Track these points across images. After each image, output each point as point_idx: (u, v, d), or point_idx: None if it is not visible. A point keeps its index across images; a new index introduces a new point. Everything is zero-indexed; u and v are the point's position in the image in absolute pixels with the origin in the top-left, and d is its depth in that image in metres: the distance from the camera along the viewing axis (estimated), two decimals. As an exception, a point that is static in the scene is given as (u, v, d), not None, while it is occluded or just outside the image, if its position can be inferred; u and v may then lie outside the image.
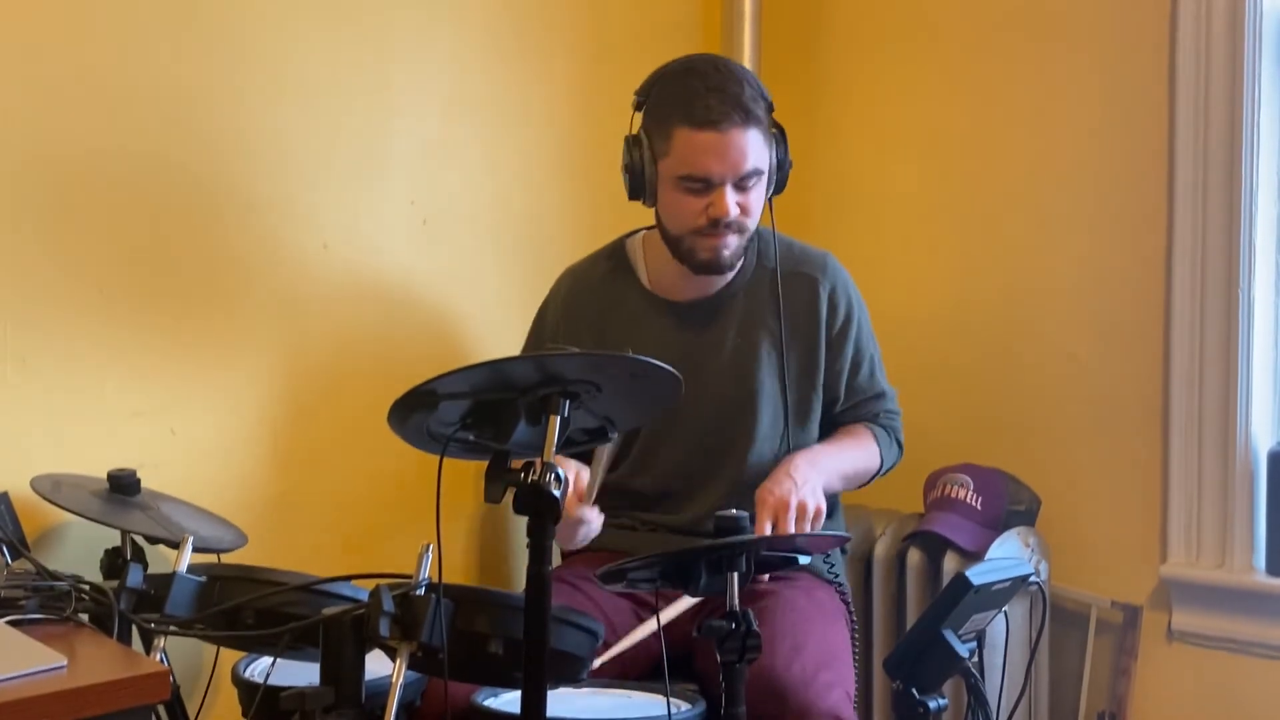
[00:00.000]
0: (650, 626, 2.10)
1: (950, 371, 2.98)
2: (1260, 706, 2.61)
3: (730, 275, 2.37)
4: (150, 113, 2.33)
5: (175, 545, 1.88)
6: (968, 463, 2.73)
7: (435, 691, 1.97)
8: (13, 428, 2.18)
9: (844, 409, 2.43)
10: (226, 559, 2.03)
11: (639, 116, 2.29)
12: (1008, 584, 1.88)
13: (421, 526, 2.24)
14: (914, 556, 2.69)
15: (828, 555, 2.38)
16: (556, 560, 2.41)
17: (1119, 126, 2.75)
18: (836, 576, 2.39)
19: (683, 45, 2.71)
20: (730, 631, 1.72)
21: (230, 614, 1.75)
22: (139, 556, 2.05)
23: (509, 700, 1.91)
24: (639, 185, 2.29)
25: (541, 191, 2.90)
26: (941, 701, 1.82)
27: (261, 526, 2.32)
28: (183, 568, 1.80)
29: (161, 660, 1.78)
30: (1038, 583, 2.11)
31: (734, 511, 1.80)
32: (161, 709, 1.95)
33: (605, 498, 2.20)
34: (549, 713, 1.56)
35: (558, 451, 1.57)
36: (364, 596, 1.65)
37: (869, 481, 2.46)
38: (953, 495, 2.67)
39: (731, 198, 2.22)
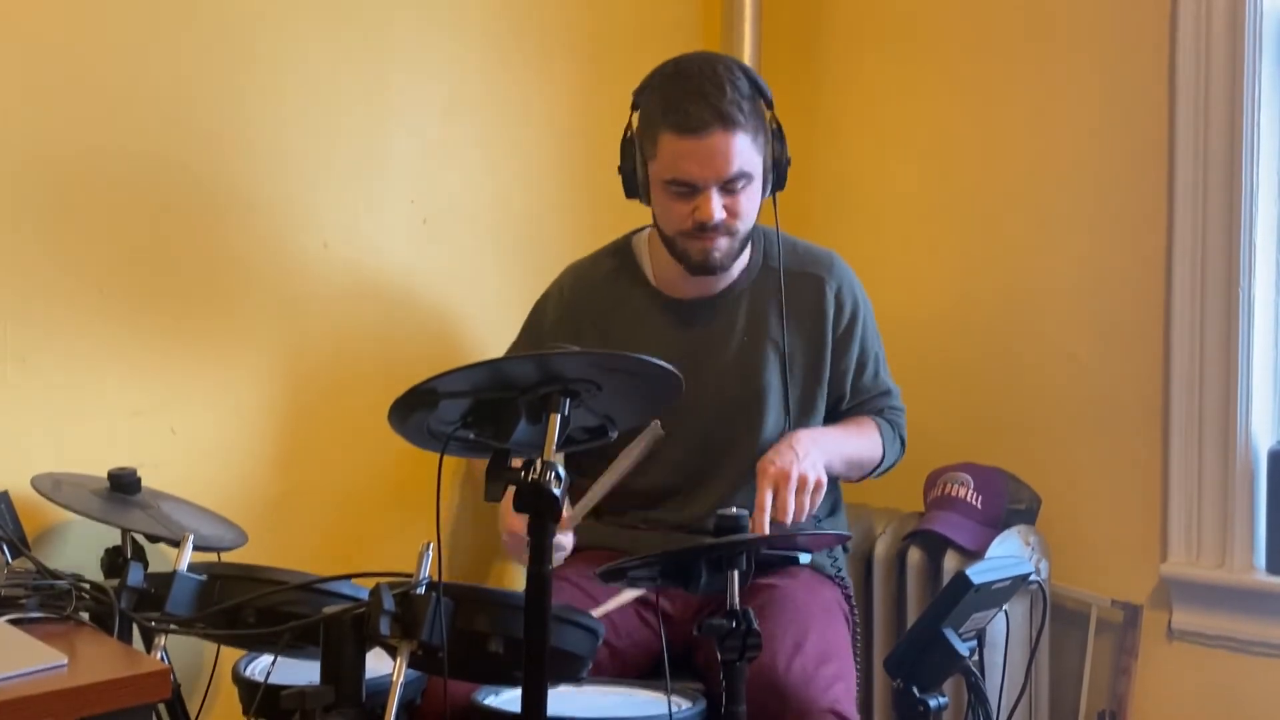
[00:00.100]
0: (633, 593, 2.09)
1: (950, 371, 2.98)
2: (1261, 706, 2.61)
3: (734, 274, 2.38)
4: (150, 113, 2.34)
5: (176, 544, 1.88)
6: (968, 462, 2.74)
7: (435, 690, 1.97)
8: (13, 427, 2.18)
9: (850, 407, 2.43)
10: (227, 558, 2.03)
11: (635, 118, 2.30)
12: (1008, 583, 1.88)
13: (422, 525, 2.25)
14: (914, 555, 2.69)
15: (830, 552, 2.38)
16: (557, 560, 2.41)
17: (1119, 126, 2.75)
18: (840, 572, 2.39)
19: (683, 45, 2.71)
20: (731, 630, 1.72)
21: (231, 613, 1.75)
22: (139, 555, 2.06)
23: (509, 699, 1.91)
24: (633, 186, 2.31)
25: (541, 191, 2.90)
26: (942, 700, 1.83)
27: (262, 525, 2.32)
28: (183, 566, 1.80)
29: (162, 659, 1.79)
30: (1038, 581, 2.11)
31: (734, 510, 1.80)
32: (162, 708, 1.95)
33: (608, 495, 2.19)
34: (549, 711, 1.56)
35: (558, 450, 1.57)
36: (364, 595, 1.65)
37: (870, 474, 2.45)
38: (953, 494, 2.67)
39: (717, 201, 2.22)
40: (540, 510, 1.55)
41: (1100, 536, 2.78)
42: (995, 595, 1.87)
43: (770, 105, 2.27)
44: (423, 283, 2.72)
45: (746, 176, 2.23)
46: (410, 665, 1.65)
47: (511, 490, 1.56)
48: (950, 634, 1.80)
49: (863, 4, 3.14)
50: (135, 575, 1.79)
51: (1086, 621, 2.77)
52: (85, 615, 1.77)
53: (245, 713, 1.91)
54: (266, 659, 2.00)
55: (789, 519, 2.11)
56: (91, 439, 2.26)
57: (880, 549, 2.76)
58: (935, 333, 3.01)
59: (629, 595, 2.11)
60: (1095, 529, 2.79)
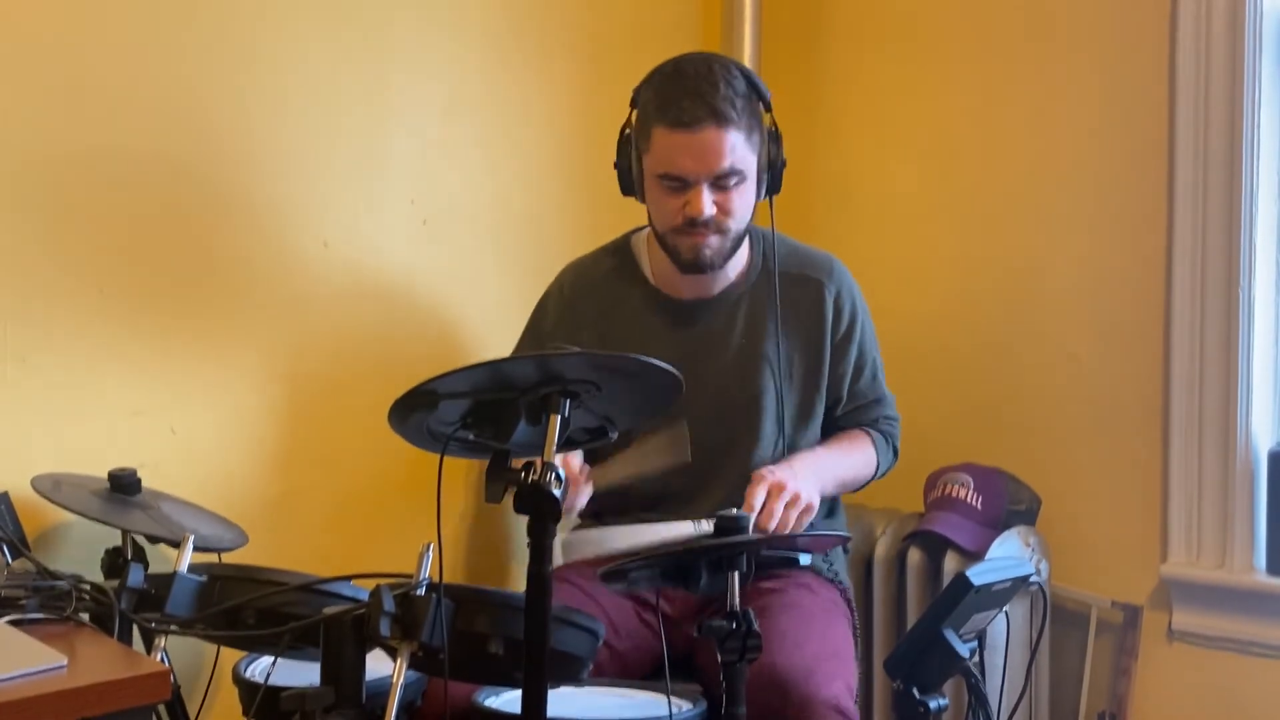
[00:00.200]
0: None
1: (951, 371, 2.98)
2: (1260, 706, 2.61)
3: (733, 276, 2.38)
4: (150, 113, 2.33)
5: (176, 545, 1.88)
6: (968, 462, 2.73)
7: (436, 691, 1.97)
8: (13, 427, 2.18)
9: (844, 412, 2.43)
10: (227, 558, 2.03)
11: (633, 115, 2.30)
12: (1008, 584, 1.88)
13: (422, 526, 2.24)
14: (914, 556, 2.69)
15: (826, 554, 2.38)
16: (557, 560, 2.41)
17: (1119, 126, 2.75)
18: (836, 576, 2.39)
19: (682, 45, 2.71)
20: (731, 631, 1.73)
21: (231, 613, 1.75)
22: (139, 556, 2.05)
23: (510, 700, 1.91)
24: (629, 183, 2.31)
25: (541, 191, 2.90)
26: (942, 701, 1.83)
27: (262, 526, 2.32)
28: (183, 567, 1.80)
29: (162, 660, 1.79)
30: (1038, 582, 2.11)
31: (735, 511, 1.81)
32: (162, 709, 1.95)
33: (608, 497, 2.20)
34: (549, 712, 1.56)
35: (558, 451, 1.57)
36: (364, 596, 1.65)
37: (863, 487, 2.47)
38: (953, 495, 2.67)
39: (708, 197, 2.22)
40: (540, 511, 1.55)
41: (1100, 537, 2.78)
42: (995, 596, 1.87)
43: (768, 107, 2.27)
44: (423, 283, 2.72)
45: (738, 174, 2.23)
46: (410, 666, 1.65)
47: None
48: (950, 635, 1.80)
49: (863, 4, 3.14)
50: (135, 576, 1.80)
51: (1086, 622, 2.77)
52: (85, 616, 1.77)
53: (245, 714, 1.91)
54: (266, 660, 2.00)
55: (772, 526, 2.11)
56: (91, 439, 2.26)
57: (880, 550, 2.76)
58: (935, 332, 3.01)
59: (685, 529, 2.08)
60: (1095, 529, 2.79)
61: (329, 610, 1.65)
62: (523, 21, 2.85)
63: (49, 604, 1.75)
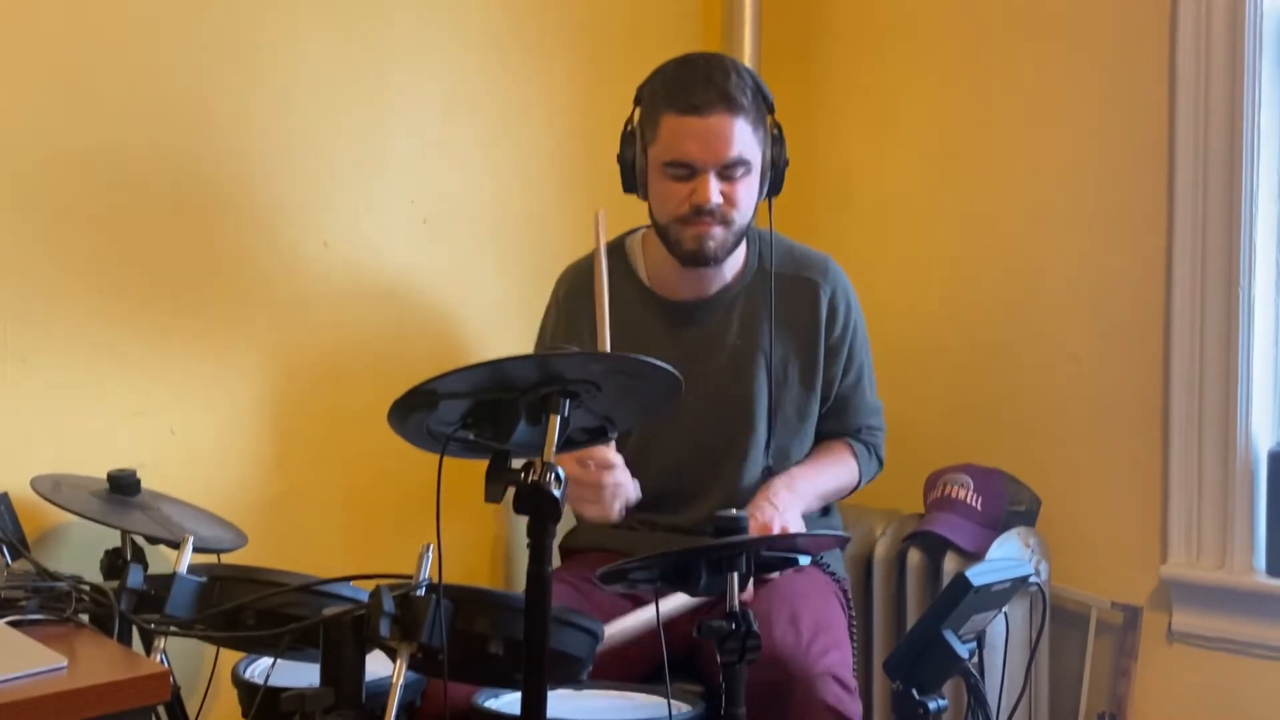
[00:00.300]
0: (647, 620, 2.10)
1: (950, 371, 2.98)
2: (1260, 707, 2.61)
3: (729, 276, 2.37)
4: (151, 113, 2.33)
5: (175, 545, 1.88)
6: (968, 463, 2.73)
7: (435, 692, 1.97)
8: (13, 427, 2.18)
9: (828, 414, 2.43)
10: (227, 559, 2.03)
11: (637, 111, 2.30)
12: (1008, 584, 1.88)
13: (421, 526, 2.24)
14: (914, 557, 2.69)
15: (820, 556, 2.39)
16: (556, 561, 2.41)
17: (1119, 126, 2.75)
18: (831, 570, 2.39)
19: (682, 45, 2.71)
20: (730, 632, 1.72)
21: (230, 615, 1.75)
22: (139, 557, 2.06)
23: (509, 701, 1.91)
24: (630, 177, 2.31)
25: (541, 191, 2.90)
26: (941, 702, 1.82)
27: (261, 527, 2.32)
28: (183, 568, 1.80)
29: (162, 661, 1.78)
30: (1038, 583, 2.11)
31: (734, 512, 1.80)
32: (162, 710, 1.95)
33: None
34: (549, 714, 1.56)
35: (558, 451, 1.57)
36: (364, 597, 1.65)
37: (847, 496, 2.48)
38: (953, 495, 2.67)
39: (714, 185, 2.22)
40: (540, 511, 1.55)
41: (1100, 538, 2.78)
42: (995, 597, 1.86)
43: (771, 110, 2.27)
44: (423, 283, 2.72)
45: (745, 164, 2.23)
46: (410, 667, 1.64)
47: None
48: (950, 636, 1.79)
49: (863, 4, 3.14)
50: (135, 577, 1.79)
51: (1086, 623, 2.77)
52: (85, 617, 1.77)
53: (245, 715, 1.91)
54: (266, 661, 2.00)
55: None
56: (91, 439, 2.26)
57: (880, 550, 2.76)
58: (935, 332, 3.01)
59: (639, 618, 2.10)
60: (1095, 530, 2.79)
61: (329, 611, 1.65)
62: (522, 21, 2.85)
63: (49, 605, 1.75)
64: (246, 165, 2.46)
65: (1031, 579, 1.95)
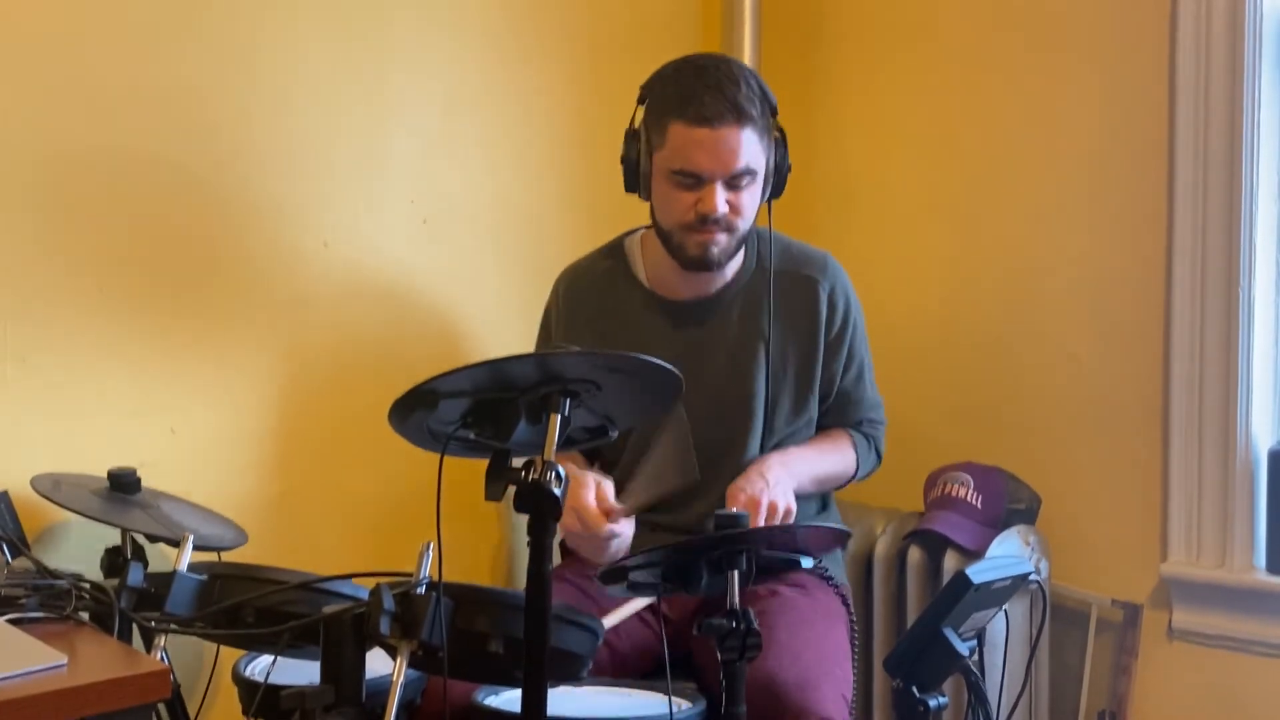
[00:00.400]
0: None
1: (951, 371, 2.98)
2: (1260, 705, 2.61)
3: (728, 275, 2.38)
4: (150, 112, 2.34)
5: (175, 544, 1.88)
6: (968, 461, 2.73)
7: (435, 690, 1.97)
8: (13, 426, 2.19)
9: (829, 410, 2.43)
10: (227, 557, 2.03)
11: (641, 111, 2.30)
12: (1008, 582, 1.88)
13: (422, 525, 2.24)
14: (914, 555, 2.69)
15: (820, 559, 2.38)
16: (557, 559, 2.41)
17: (1119, 127, 2.75)
18: (830, 578, 2.39)
19: (682, 45, 2.71)
20: (730, 630, 1.72)
21: (231, 612, 1.75)
22: (139, 555, 2.06)
23: (509, 699, 1.91)
24: (634, 178, 2.30)
25: (541, 191, 2.90)
26: (941, 700, 1.82)
27: (262, 525, 2.32)
28: (183, 566, 1.80)
29: (162, 659, 1.78)
30: (1038, 581, 2.11)
31: (734, 510, 1.80)
32: (162, 707, 1.95)
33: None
34: (549, 711, 1.56)
35: (559, 451, 1.57)
36: (364, 595, 1.65)
37: (842, 486, 2.46)
38: (953, 494, 2.67)
39: (721, 195, 2.22)
40: (541, 510, 1.55)
41: (1100, 536, 2.78)
42: (995, 595, 1.86)
43: (775, 113, 2.27)
44: (423, 283, 2.72)
45: (751, 174, 2.23)
46: (410, 665, 1.65)
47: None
48: (950, 634, 1.79)
49: (863, 4, 3.14)
50: (135, 575, 1.79)
51: (1086, 621, 2.77)
52: (85, 615, 1.77)
53: (245, 713, 1.91)
54: (266, 659, 2.00)
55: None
56: (91, 439, 2.26)
57: (880, 548, 2.76)
58: (935, 332, 3.01)
59: (637, 604, 2.10)
60: (1095, 529, 2.79)
61: (329, 609, 1.65)
62: (522, 21, 2.85)
63: (49, 603, 1.75)
64: (246, 165, 2.47)
65: (1032, 577, 1.95)
